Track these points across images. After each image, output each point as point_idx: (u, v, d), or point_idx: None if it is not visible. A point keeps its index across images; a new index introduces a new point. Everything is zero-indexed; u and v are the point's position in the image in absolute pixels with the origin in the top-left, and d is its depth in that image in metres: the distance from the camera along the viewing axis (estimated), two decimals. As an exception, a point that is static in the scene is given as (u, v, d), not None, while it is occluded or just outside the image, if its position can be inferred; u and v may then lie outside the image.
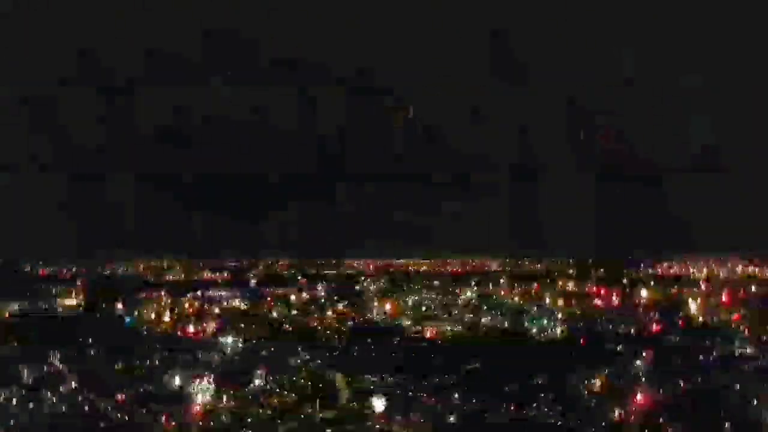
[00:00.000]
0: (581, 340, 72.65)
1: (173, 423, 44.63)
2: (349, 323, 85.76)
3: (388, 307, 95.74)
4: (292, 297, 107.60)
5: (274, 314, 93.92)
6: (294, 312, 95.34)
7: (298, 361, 61.76)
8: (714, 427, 45.68)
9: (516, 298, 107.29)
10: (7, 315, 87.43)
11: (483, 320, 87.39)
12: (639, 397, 50.89)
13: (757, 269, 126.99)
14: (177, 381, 52.48)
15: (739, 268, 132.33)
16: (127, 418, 45.63)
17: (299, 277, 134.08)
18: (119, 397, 48.93)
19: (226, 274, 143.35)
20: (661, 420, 46.54)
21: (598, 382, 55.08)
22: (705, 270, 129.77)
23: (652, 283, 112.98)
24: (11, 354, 61.08)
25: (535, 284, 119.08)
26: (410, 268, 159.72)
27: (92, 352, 62.10)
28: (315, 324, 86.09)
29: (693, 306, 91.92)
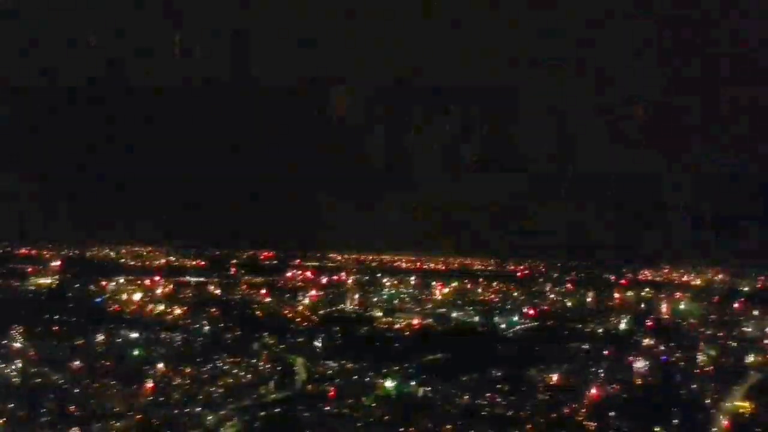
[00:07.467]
0: (548, 338, 73.01)
1: (125, 397, 44.79)
2: (321, 312, 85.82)
3: (362, 298, 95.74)
4: (269, 286, 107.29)
5: (248, 301, 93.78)
6: (268, 300, 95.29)
7: (261, 344, 61.93)
8: (663, 423, 46.31)
9: (492, 296, 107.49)
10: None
11: (454, 315, 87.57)
12: (593, 392, 51.46)
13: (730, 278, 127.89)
14: (134, 358, 52.61)
15: (719, 277, 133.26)
16: (78, 391, 45.72)
17: (278, 267, 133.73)
18: (74, 370, 48.99)
19: (205, 261, 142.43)
20: (611, 414, 47.14)
21: (555, 377, 55.52)
22: (682, 276, 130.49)
23: (627, 286, 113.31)
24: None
25: (512, 284, 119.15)
26: (391, 263, 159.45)
27: (54, 328, 62.06)
28: (287, 312, 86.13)
29: (664, 309, 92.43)
